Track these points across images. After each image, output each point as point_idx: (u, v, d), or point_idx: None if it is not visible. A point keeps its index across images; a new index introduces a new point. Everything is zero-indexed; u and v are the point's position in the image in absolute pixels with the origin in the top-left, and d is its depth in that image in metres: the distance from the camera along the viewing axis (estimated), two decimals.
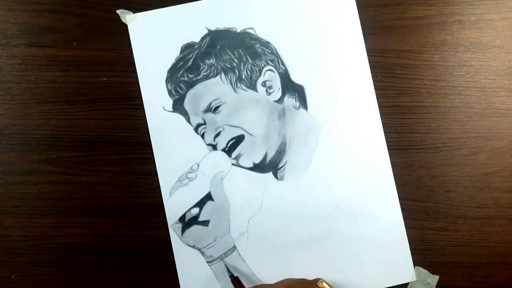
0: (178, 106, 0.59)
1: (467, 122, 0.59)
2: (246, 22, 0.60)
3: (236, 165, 0.59)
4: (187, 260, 0.57)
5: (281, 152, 0.59)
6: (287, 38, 0.60)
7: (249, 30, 0.60)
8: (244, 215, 0.58)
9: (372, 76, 0.59)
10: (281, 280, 0.55)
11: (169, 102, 0.59)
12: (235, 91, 0.59)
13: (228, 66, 0.59)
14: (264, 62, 0.60)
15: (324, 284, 0.51)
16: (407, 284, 0.57)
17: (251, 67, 0.60)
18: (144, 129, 0.59)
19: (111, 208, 0.58)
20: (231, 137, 0.59)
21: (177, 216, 0.58)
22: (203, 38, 0.60)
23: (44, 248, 0.58)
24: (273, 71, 0.60)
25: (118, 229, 0.58)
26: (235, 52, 0.60)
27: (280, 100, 0.60)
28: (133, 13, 0.60)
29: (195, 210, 0.58)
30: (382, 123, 0.59)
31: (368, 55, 0.59)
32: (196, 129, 0.59)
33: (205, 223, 0.58)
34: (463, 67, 0.60)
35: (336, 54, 0.60)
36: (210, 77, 0.59)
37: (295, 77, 0.60)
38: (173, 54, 0.60)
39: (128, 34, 0.60)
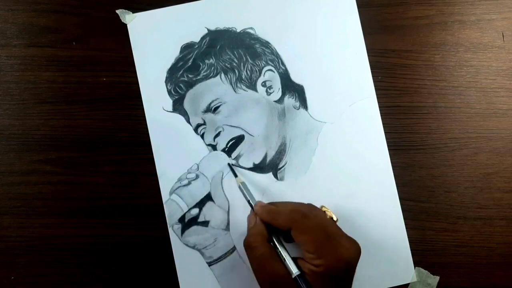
0: (178, 106, 0.59)
1: (467, 123, 0.59)
2: (246, 22, 0.60)
3: (236, 166, 0.58)
4: (187, 260, 0.57)
5: (281, 152, 0.59)
6: (287, 38, 0.60)
7: (249, 30, 0.60)
8: (244, 215, 0.57)
9: (373, 76, 0.59)
10: (288, 202, 0.56)
11: (168, 102, 0.59)
12: (235, 91, 0.59)
13: (228, 66, 0.59)
14: (264, 62, 0.60)
15: (327, 209, 0.53)
16: (407, 284, 0.57)
17: (251, 67, 0.59)
18: (143, 129, 0.59)
19: (111, 208, 0.58)
20: (230, 138, 0.58)
21: (176, 216, 0.58)
22: (202, 38, 0.60)
23: (43, 248, 0.58)
24: (273, 71, 0.60)
25: (118, 229, 0.58)
26: (235, 52, 0.60)
27: (280, 100, 0.59)
28: (133, 13, 0.60)
29: (195, 211, 0.58)
30: (383, 123, 0.59)
31: (368, 55, 0.59)
32: (195, 129, 0.59)
33: (205, 223, 0.57)
34: (463, 67, 0.60)
35: (336, 54, 0.60)
36: (210, 77, 0.59)
37: (295, 77, 0.60)
38: (173, 54, 0.59)
39: (127, 34, 0.60)
